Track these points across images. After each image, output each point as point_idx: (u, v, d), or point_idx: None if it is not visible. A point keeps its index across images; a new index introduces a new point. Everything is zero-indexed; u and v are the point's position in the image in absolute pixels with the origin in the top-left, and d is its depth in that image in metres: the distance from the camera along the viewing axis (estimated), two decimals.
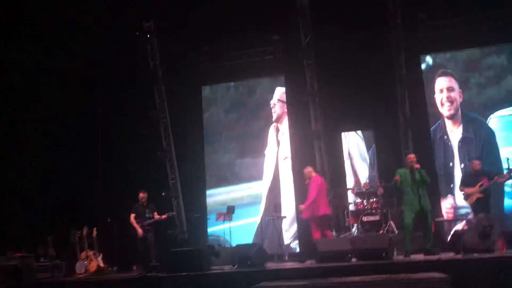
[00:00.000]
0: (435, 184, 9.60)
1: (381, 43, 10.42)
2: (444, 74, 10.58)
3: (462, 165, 10.07)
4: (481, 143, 10.08)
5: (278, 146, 11.16)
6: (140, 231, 8.53)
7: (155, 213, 8.87)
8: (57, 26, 10.75)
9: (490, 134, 10.11)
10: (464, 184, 8.05)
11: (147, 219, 8.64)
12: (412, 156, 7.59)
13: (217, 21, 10.95)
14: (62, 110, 10.96)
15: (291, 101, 11.16)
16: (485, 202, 7.70)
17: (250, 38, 11.19)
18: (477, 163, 8.08)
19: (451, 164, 10.24)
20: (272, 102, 10.18)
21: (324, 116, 10.55)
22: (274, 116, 10.79)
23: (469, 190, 7.81)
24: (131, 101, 11.40)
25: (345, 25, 10.47)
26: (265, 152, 11.20)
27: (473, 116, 10.31)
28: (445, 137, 10.39)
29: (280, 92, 11.26)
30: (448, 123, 10.45)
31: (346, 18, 10.43)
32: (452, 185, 10.08)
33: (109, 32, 11.18)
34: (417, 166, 7.40)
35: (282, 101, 10.40)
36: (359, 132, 10.83)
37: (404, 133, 10.22)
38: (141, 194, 8.94)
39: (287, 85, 11.31)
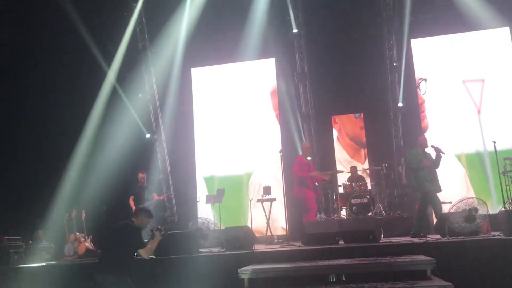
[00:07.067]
0: None
1: (372, 26, 10.37)
2: None
3: None
4: None
5: None
6: None
7: (155, 194, 8.78)
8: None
9: None
10: None
11: (146, 201, 8.51)
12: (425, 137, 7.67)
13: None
14: (53, 95, 10.71)
15: (281, 84, 11.07)
16: None
17: (241, 20, 11.02)
18: None
19: None
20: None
21: (314, 99, 10.54)
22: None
23: None
24: (120, 83, 11.25)
25: (337, 9, 10.38)
26: None
27: None
28: None
29: None
30: None
31: (337, 2, 10.35)
32: None
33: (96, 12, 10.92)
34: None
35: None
36: None
37: (394, 116, 10.27)
38: (140, 175, 8.79)
39: (277, 68, 11.21)
